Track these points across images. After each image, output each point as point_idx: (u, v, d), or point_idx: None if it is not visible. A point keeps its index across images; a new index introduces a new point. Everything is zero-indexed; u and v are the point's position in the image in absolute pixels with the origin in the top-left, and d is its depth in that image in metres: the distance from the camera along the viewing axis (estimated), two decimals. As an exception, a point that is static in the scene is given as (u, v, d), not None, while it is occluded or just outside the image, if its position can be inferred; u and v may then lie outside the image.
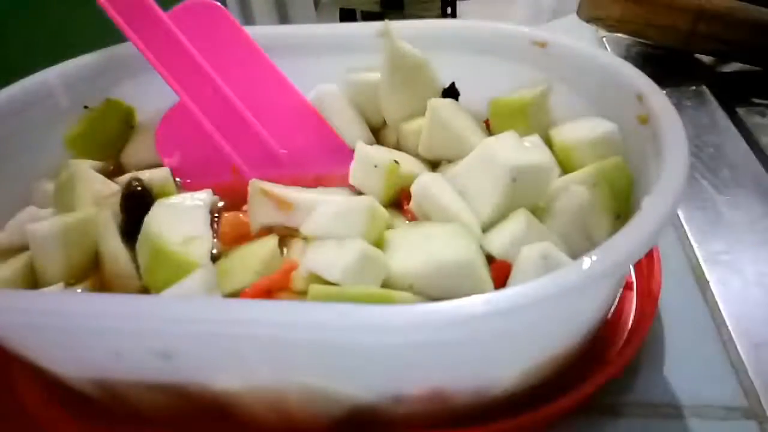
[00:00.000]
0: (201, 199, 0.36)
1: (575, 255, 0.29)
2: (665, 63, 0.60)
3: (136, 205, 0.36)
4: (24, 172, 0.41)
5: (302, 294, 0.31)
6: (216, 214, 0.38)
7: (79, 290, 0.34)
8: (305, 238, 0.34)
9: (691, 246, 0.42)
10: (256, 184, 0.36)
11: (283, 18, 1.55)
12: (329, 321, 0.24)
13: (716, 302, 0.37)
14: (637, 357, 0.33)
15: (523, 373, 0.29)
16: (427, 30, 0.45)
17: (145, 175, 0.39)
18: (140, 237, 0.34)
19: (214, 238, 0.35)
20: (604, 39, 0.67)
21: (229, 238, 0.36)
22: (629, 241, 0.26)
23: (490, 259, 0.32)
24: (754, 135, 0.53)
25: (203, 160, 0.42)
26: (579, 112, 0.39)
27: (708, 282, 0.39)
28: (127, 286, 0.34)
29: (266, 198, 0.36)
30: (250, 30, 0.44)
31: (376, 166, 0.37)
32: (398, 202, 0.38)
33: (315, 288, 0.29)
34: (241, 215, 0.37)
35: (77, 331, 0.27)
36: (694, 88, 0.59)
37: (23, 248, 0.36)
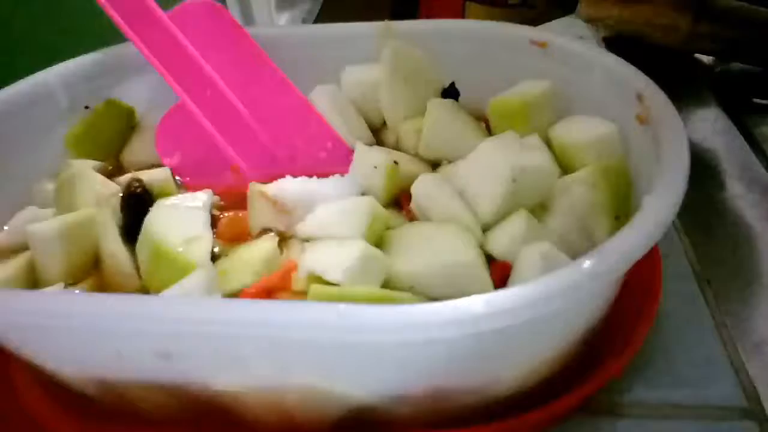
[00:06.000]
0: (201, 199, 0.36)
1: (575, 255, 0.29)
2: (665, 63, 0.60)
3: (136, 205, 0.36)
4: (24, 172, 0.41)
5: (302, 294, 0.31)
6: (217, 212, 0.38)
7: (78, 290, 0.34)
8: (305, 239, 0.34)
9: (691, 246, 0.42)
10: (255, 188, 0.36)
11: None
12: (329, 321, 0.24)
13: (716, 302, 0.37)
14: (637, 357, 0.33)
15: (523, 373, 0.29)
16: (427, 30, 0.45)
17: (145, 175, 0.39)
18: (140, 237, 0.34)
19: (214, 238, 0.35)
20: (603, 39, 0.67)
21: (229, 238, 0.36)
22: (629, 241, 0.26)
23: (490, 259, 0.32)
24: (754, 134, 0.53)
25: (203, 160, 0.42)
26: (579, 112, 0.39)
27: (708, 282, 0.39)
28: (127, 286, 0.34)
29: (266, 201, 0.36)
30: (250, 30, 0.44)
31: (375, 167, 0.37)
32: (398, 202, 0.38)
33: (315, 288, 0.29)
34: (240, 215, 0.37)
35: (77, 331, 0.27)
36: (694, 88, 0.59)
37: (23, 248, 0.36)
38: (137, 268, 0.34)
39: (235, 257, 0.34)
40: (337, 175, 0.38)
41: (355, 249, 0.30)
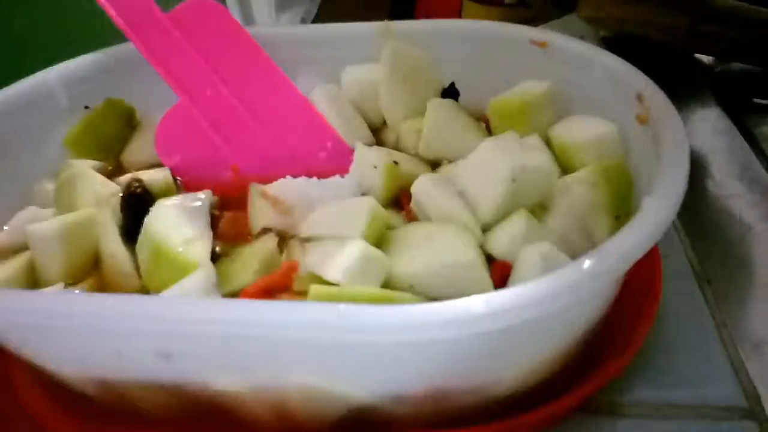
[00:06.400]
0: (201, 199, 0.36)
1: (575, 255, 0.29)
2: (665, 63, 0.60)
3: (136, 205, 0.36)
4: (24, 172, 0.41)
5: (302, 294, 0.31)
6: (217, 212, 0.38)
7: (78, 290, 0.34)
8: (305, 239, 0.34)
9: (691, 246, 0.42)
10: (255, 188, 0.36)
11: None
12: (329, 321, 0.24)
13: (716, 302, 0.37)
14: (637, 357, 0.33)
15: (523, 372, 0.29)
16: (427, 30, 0.45)
17: (145, 175, 0.39)
18: (140, 238, 0.34)
19: (214, 238, 0.35)
20: (603, 39, 0.67)
21: (229, 237, 0.36)
22: (629, 241, 0.26)
23: (490, 259, 0.32)
24: (754, 134, 0.53)
25: (203, 160, 0.42)
26: (579, 112, 0.39)
27: (708, 282, 0.39)
28: (127, 286, 0.34)
29: (266, 201, 0.36)
30: (250, 30, 0.44)
31: (375, 167, 0.37)
32: (398, 202, 0.38)
33: (315, 288, 0.29)
34: (240, 215, 0.37)
35: (77, 331, 0.27)
36: (694, 88, 0.59)
37: (23, 248, 0.36)
38: (137, 268, 0.34)
39: (235, 257, 0.34)
40: (337, 176, 0.38)
41: (355, 249, 0.30)
